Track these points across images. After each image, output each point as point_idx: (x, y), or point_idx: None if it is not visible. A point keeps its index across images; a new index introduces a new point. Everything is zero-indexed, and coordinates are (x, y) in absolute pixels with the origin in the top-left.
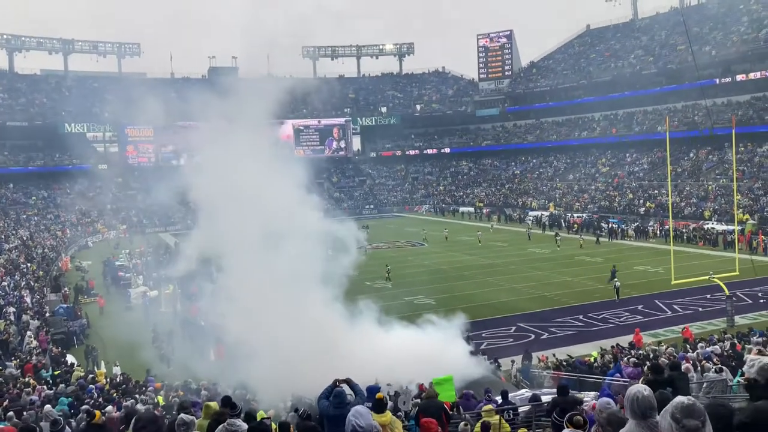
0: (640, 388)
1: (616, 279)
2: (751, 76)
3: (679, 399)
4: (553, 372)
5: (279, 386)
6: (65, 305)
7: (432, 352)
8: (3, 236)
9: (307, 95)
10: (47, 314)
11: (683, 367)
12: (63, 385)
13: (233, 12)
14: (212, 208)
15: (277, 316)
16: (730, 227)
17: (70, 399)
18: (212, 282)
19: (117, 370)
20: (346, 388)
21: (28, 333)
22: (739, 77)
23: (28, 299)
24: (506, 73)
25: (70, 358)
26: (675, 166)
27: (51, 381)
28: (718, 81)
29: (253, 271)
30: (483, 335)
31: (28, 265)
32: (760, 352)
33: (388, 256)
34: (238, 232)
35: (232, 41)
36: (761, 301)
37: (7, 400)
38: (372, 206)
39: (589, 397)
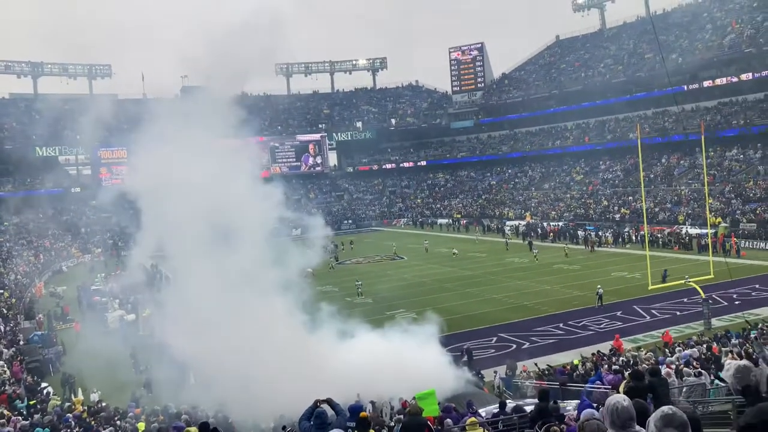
0: (619, 399)
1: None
2: (717, 82)
3: (661, 409)
4: (536, 381)
5: (260, 407)
6: (40, 332)
7: (411, 365)
8: None
9: (282, 112)
10: (21, 342)
11: (663, 372)
12: (39, 415)
13: (202, 30)
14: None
15: (248, 333)
16: (704, 231)
17: (47, 430)
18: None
19: (95, 396)
20: (327, 408)
21: (0, 363)
22: (706, 83)
23: (0, 327)
24: (479, 85)
25: (45, 387)
26: (648, 172)
27: (26, 411)
28: (686, 87)
29: (215, 286)
30: (464, 347)
31: (1, 292)
32: (738, 356)
33: (365, 271)
34: (191, 241)
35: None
36: (736, 303)
37: None
38: (350, 221)
39: (570, 407)
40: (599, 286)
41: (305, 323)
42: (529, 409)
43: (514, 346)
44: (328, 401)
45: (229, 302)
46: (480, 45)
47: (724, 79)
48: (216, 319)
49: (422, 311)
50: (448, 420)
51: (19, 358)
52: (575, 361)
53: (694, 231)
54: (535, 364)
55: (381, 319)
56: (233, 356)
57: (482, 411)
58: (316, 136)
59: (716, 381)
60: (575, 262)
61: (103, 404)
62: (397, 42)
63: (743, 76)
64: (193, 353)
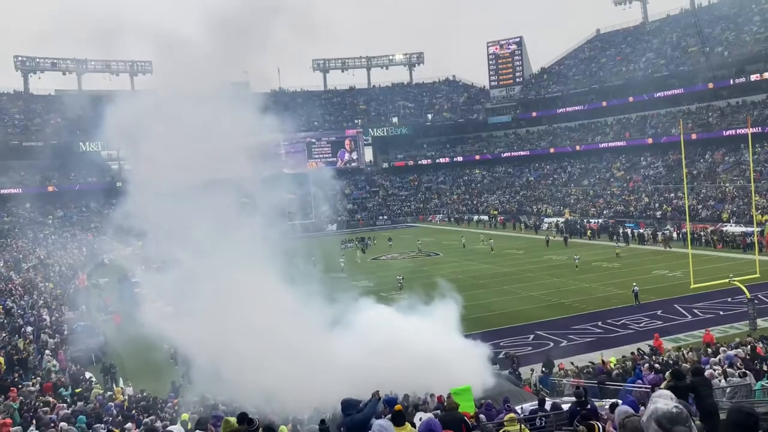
0: (669, 405)
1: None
2: (766, 75)
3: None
4: (573, 380)
5: (296, 400)
6: (83, 323)
7: (445, 360)
8: (21, 255)
9: (319, 107)
10: (65, 332)
11: (706, 372)
12: (82, 402)
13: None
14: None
15: (283, 329)
16: (749, 229)
17: (86, 418)
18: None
19: (129, 390)
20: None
21: (47, 352)
22: (754, 77)
23: (46, 318)
24: (517, 79)
25: (89, 377)
26: (691, 169)
27: (70, 399)
28: (732, 81)
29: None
30: (501, 344)
31: (46, 284)
32: None
33: (400, 267)
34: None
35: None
36: None
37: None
38: (385, 217)
39: (608, 405)
40: (635, 284)
41: (337, 317)
42: (566, 407)
43: (552, 344)
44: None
45: (260, 298)
46: (518, 39)
47: None
48: (247, 316)
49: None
50: (482, 416)
51: (63, 348)
52: (612, 360)
53: (738, 229)
54: (572, 363)
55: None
56: (267, 350)
57: (519, 408)
58: (352, 132)
59: (761, 383)
60: (615, 260)
61: (144, 393)
62: (435, 37)
63: None
64: (221, 347)
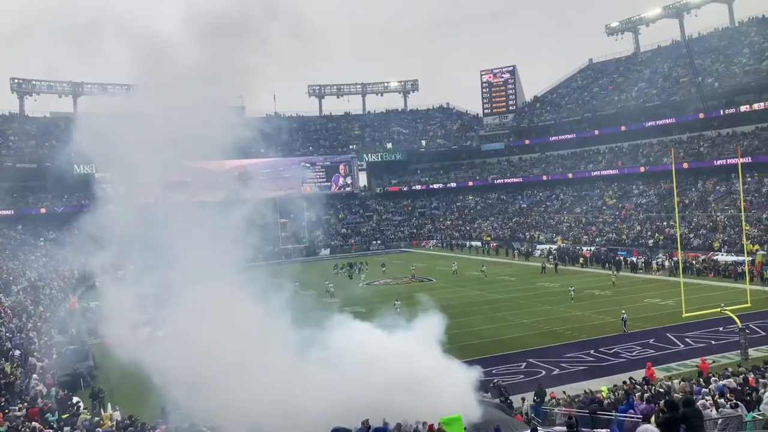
0: (649, 429)
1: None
2: (755, 106)
3: None
4: (565, 409)
5: (290, 427)
6: (72, 347)
7: (435, 388)
8: (11, 278)
9: (314, 132)
10: (54, 356)
11: (699, 403)
12: (69, 428)
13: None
14: None
15: (273, 354)
16: (741, 258)
17: None
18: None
19: (116, 414)
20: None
21: (34, 376)
22: (743, 108)
23: (35, 341)
24: (510, 107)
25: (77, 402)
26: (682, 198)
27: (56, 425)
28: (722, 112)
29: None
30: (493, 372)
31: (37, 307)
32: None
33: (395, 293)
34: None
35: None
36: None
37: None
38: (379, 242)
39: None
40: (623, 312)
41: (327, 343)
42: None
43: (544, 372)
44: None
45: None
46: (512, 68)
47: (762, 104)
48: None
49: (451, 335)
50: None
51: (51, 372)
52: (603, 389)
53: (730, 258)
54: (563, 392)
55: None
56: (260, 375)
57: None
58: (347, 157)
59: (752, 414)
60: (607, 288)
61: (133, 419)
62: (429, 64)
63: None
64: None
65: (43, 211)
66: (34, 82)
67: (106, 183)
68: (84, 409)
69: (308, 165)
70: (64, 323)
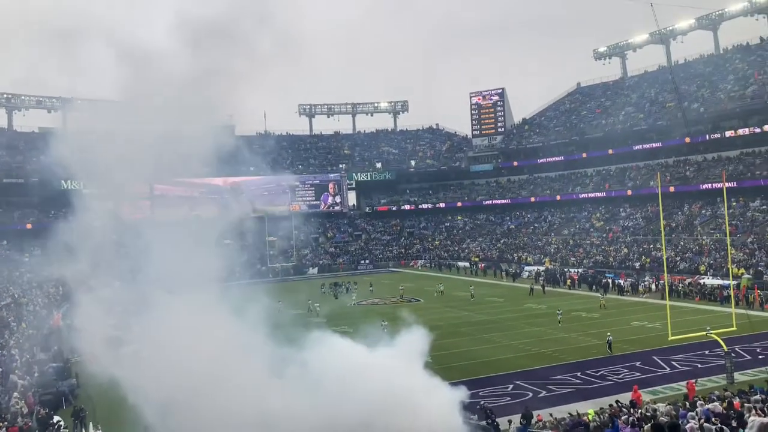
0: None
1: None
2: (740, 132)
3: None
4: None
5: None
6: (55, 364)
7: (419, 410)
8: None
9: (304, 151)
10: (36, 374)
11: (687, 426)
12: None
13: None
14: None
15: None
16: (726, 282)
17: None
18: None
19: None
20: None
21: (15, 394)
22: (728, 133)
23: (17, 359)
24: (499, 129)
25: (58, 421)
26: (669, 221)
27: None
28: (708, 137)
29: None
30: (480, 393)
31: (20, 324)
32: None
33: (382, 313)
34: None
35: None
36: (760, 357)
37: None
38: (367, 261)
39: None
40: (609, 334)
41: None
42: None
43: (531, 394)
44: None
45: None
46: (501, 90)
47: (747, 130)
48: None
49: (438, 356)
50: None
51: (33, 390)
52: (590, 412)
53: (716, 282)
54: (550, 414)
55: None
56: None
57: None
58: (336, 176)
59: None
60: (595, 310)
61: None
62: (419, 85)
63: (766, 127)
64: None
65: (29, 226)
66: (23, 98)
67: (93, 199)
68: (65, 428)
69: (298, 183)
70: (47, 340)
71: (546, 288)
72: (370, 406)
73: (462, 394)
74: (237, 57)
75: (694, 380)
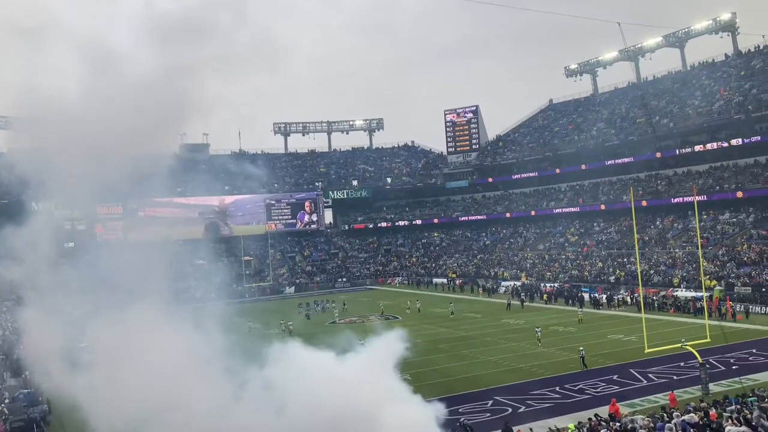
0: None
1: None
2: (708, 146)
3: None
4: None
5: None
6: (26, 390)
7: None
8: None
9: (279, 170)
10: (6, 401)
11: None
12: None
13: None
14: None
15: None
16: (699, 294)
17: None
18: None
19: None
20: None
21: None
22: (698, 148)
23: None
24: (474, 146)
25: None
26: (642, 235)
27: None
28: (678, 152)
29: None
30: (459, 410)
31: None
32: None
33: (360, 331)
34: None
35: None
36: (734, 368)
37: None
38: (345, 279)
39: None
40: (581, 348)
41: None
42: None
43: (510, 409)
44: None
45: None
46: (475, 108)
47: (715, 144)
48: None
49: (416, 373)
50: None
51: (3, 418)
52: (570, 427)
53: (689, 294)
54: (530, 429)
55: None
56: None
57: None
58: (312, 194)
59: None
60: (571, 324)
61: None
62: (394, 104)
63: (733, 142)
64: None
65: None
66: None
67: (67, 220)
68: None
69: (273, 202)
70: (17, 366)
71: (524, 303)
72: (335, 423)
73: (438, 408)
74: (209, 51)
75: (672, 392)
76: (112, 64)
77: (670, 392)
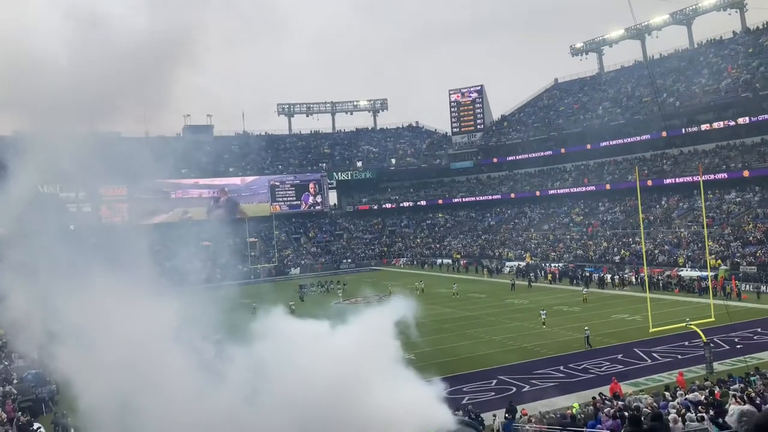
0: None
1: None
2: (715, 125)
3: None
4: (536, 426)
5: None
6: (34, 371)
7: (402, 404)
8: None
9: (283, 151)
10: (15, 381)
11: (670, 416)
12: None
13: (208, 71)
14: None
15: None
16: (704, 273)
17: None
18: None
19: None
20: None
21: None
22: (704, 127)
23: None
24: (478, 126)
25: (38, 428)
26: (647, 214)
27: None
28: (684, 131)
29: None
30: (464, 389)
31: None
32: (741, 400)
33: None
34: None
35: (207, 99)
36: (738, 346)
37: None
38: (350, 260)
39: None
40: (586, 328)
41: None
42: None
43: (514, 389)
44: None
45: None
46: (479, 87)
47: (722, 123)
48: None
49: (421, 353)
50: None
51: (12, 397)
52: (575, 405)
53: (694, 273)
54: (539, 412)
55: None
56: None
57: None
58: (317, 175)
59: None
60: (576, 304)
61: None
62: (398, 84)
63: (740, 120)
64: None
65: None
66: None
67: (71, 203)
68: None
69: (278, 183)
70: (25, 346)
71: (531, 283)
72: (327, 401)
73: (439, 387)
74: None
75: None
76: (100, 25)
77: (678, 372)
